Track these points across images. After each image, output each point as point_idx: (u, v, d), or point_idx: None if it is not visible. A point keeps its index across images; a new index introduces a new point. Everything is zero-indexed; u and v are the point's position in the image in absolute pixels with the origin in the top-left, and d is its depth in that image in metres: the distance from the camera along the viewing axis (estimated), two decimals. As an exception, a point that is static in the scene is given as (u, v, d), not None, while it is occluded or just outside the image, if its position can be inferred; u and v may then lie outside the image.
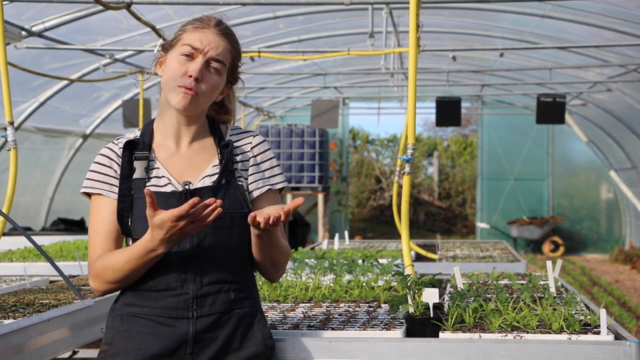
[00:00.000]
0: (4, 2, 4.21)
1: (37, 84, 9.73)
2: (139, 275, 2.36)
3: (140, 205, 2.38)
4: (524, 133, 17.49)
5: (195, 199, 2.20)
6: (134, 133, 2.51)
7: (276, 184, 2.52)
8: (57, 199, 12.15)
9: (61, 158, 12.06)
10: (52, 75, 9.00)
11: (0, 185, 9.93)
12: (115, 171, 2.43)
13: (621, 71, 10.91)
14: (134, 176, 2.42)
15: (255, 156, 2.51)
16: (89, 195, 2.46)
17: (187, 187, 2.39)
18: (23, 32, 7.60)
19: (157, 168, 2.44)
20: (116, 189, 2.41)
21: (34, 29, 7.79)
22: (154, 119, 2.53)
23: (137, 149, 2.44)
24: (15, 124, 4.35)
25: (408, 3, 3.71)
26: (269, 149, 2.54)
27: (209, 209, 2.20)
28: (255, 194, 2.48)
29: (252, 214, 2.26)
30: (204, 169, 2.45)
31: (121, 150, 2.44)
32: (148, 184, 2.41)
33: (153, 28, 7.08)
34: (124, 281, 2.36)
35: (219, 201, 2.21)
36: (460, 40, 11.72)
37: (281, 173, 2.54)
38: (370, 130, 29.29)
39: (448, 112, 10.25)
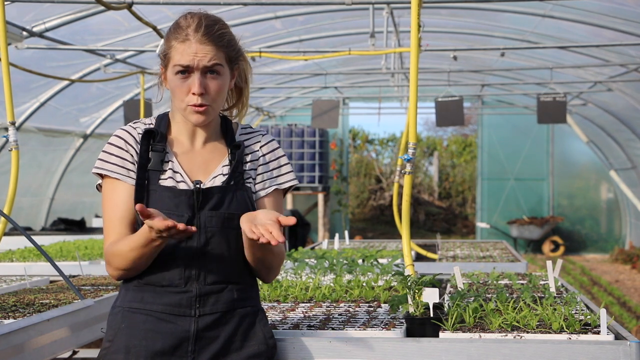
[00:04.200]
0: (6, 3, 4.21)
1: (38, 84, 9.73)
2: (147, 262, 2.35)
3: (153, 197, 2.39)
4: (524, 133, 17.49)
5: (169, 224, 2.17)
6: (150, 120, 2.50)
7: (282, 183, 2.52)
8: (57, 199, 12.14)
9: (62, 158, 12.06)
10: (53, 76, 9.00)
11: (0, 186, 9.92)
12: (132, 155, 2.42)
13: (622, 71, 10.91)
14: (149, 167, 2.42)
15: (264, 155, 2.52)
16: (101, 175, 2.44)
17: (198, 186, 2.40)
18: (24, 33, 7.61)
19: (171, 161, 2.44)
20: (133, 174, 2.41)
21: (35, 29, 7.79)
22: (168, 112, 2.52)
23: (154, 140, 2.44)
24: (16, 125, 4.34)
25: (409, 3, 3.72)
26: (277, 148, 2.54)
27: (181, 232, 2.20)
28: (262, 193, 2.49)
29: (247, 226, 2.22)
30: (214, 168, 2.46)
31: (139, 135, 2.43)
32: (162, 176, 2.41)
33: (154, 28, 7.08)
34: (133, 268, 2.36)
35: (192, 228, 2.20)
36: (460, 40, 11.71)
37: (290, 171, 2.54)
38: (370, 130, 29.31)
39: (449, 112, 10.25)
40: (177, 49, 2.37)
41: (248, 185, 2.47)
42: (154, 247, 2.30)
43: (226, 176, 2.44)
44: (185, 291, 2.37)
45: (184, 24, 2.39)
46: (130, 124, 2.49)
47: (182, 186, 2.41)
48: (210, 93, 2.39)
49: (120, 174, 2.41)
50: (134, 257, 2.32)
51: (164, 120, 2.49)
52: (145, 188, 2.40)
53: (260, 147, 2.52)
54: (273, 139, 2.56)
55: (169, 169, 2.43)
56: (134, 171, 2.41)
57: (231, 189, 2.42)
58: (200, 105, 2.38)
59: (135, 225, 2.41)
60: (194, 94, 2.37)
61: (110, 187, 2.42)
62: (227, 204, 2.39)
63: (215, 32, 2.39)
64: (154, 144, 2.43)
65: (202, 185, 2.41)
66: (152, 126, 2.47)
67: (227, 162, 2.47)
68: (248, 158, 2.50)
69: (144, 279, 2.39)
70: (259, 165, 2.50)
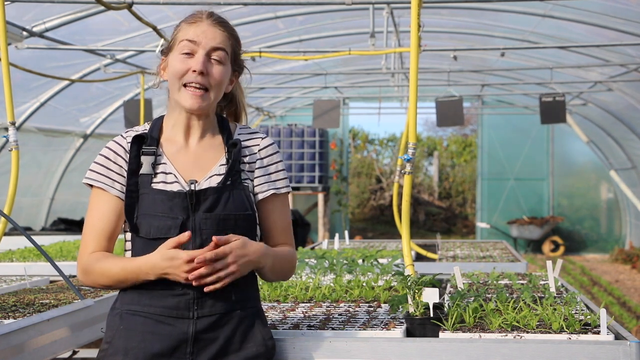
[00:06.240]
0: (5, 2, 4.21)
1: (38, 84, 9.73)
2: (129, 286, 2.38)
3: (145, 201, 2.37)
4: (524, 133, 17.49)
5: (215, 239, 2.24)
6: (144, 126, 2.50)
7: (280, 188, 2.50)
8: (57, 199, 12.15)
9: (62, 158, 12.06)
10: (53, 76, 9.00)
11: (0, 186, 9.92)
12: (121, 166, 2.41)
13: (622, 71, 10.91)
14: (140, 171, 2.40)
15: (262, 158, 2.50)
16: (90, 185, 2.45)
17: (193, 186, 2.38)
18: (24, 33, 7.60)
19: (164, 163, 2.43)
20: (118, 185, 2.40)
21: (35, 29, 7.79)
22: (164, 115, 2.52)
23: (145, 144, 2.43)
24: (16, 125, 4.34)
25: (409, 3, 3.71)
26: (277, 152, 2.53)
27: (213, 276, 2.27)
28: (260, 197, 2.48)
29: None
30: (210, 167, 2.44)
31: (129, 145, 2.42)
32: (155, 180, 2.40)
33: (154, 28, 7.08)
34: (113, 287, 2.40)
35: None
36: (460, 40, 11.72)
37: (286, 178, 2.53)
38: (370, 130, 29.32)
39: (449, 111, 10.25)
40: (186, 29, 2.41)
41: (245, 184, 2.45)
42: (141, 278, 2.34)
43: (222, 176, 2.42)
44: (182, 294, 2.36)
45: (197, 13, 2.45)
46: (122, 133, 2.49)
47: (175, 187, 2.39)
48: (210, 75, 2.39)
49: (105, 183, 2.40)
50: (120, 280, 2.35)
51: (158, 123, 2.49)
52: (137, 193, 2.39)
53: (259, 150, 2.50)
54: (273, 143, 2.54)
55: (161, 171, 2.41)
56: (120, 182, 2.41)
57: (227, 189, 2.40)
58: (199, 85, 2.37)
59: (114, 240, 2.42)
60: (194, 71, 2.37)
61: (94, 197, 2.43)
62: (223, 205, 2.37)
63: (227, 23, 2.46)
64: (145, 148, 2.42)
65: (197, 185, 2.39)
66: (145, 131, 2.46)
67: (224, 160, 2.45)
68: (246, 159, 2.48)
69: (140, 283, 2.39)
70: (257, 168, 2.49)
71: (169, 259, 2.27)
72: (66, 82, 10.02)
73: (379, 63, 12.43)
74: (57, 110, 11.08)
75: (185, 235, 2.25)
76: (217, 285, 2.28)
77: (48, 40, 8.09)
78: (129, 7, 6.14)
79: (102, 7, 6.62)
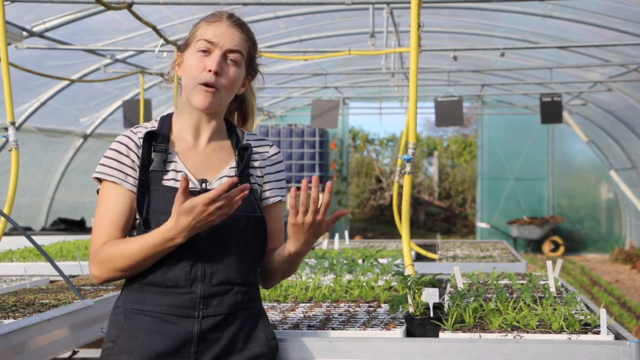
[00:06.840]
0: (5, 3, 4.21)
1: (38, 84, 9.74)
2: (149, 265, 2.34)
3: (155, 198, 2.37)
4: (524, 133, 17.50)
5: (235, 178, 2.22)
6: (151, 123, 2.50)
7: (284, 196, 2.56)
8: (57, 199, 12.14)
9: (62, 158, 12.06)
10: (53, 76, 9.00)
11: (0, 186, 9.92)
12: (133, 161, 2.40)
13: (622, 71, 10.92)
14: (151, 168, 2.40)
15: (271, 165, 2.54)
16: (100, 180, 2.43)
17: (204, 185, 2.37)
18: (24, 33, 7.61)
19: (174, 162, 2.43)
20: (130, 179, 2.39)
21: (35, 29, 7.80)
22: (172, 113, 2.52)
23: (157, 141, 2.43)
24: (16, 124, 4.34)
25: (409, 3, 3.71)
26: (282, 161, 2.58)
27: (240, 195, 2.23)
28: (269, 202, 2.51)
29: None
30: (220, 169, 2.45)
31: (140, 140, 2.42)
32: (165, 177, 2.40)
33: (154, 28, 7.08)
34: (133, 269, 2.34)
35: (247, 185, 2.26)
36: (460, 40, 11.72)
37: (284, 187, 2.58)
38: (370, 130, 29.32)
39: (449, 111, 10.26)
40: (205, 28, 2.43)
41: (254, 188, 2.47)
42: (168, 247, 2.29)
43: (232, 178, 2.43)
44: (189, 292, 2.35)
45: (217, 13, 2.48)
46: (131, 129, 2.48)
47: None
48: (224, 76, 2.40)
49: (118, 177, 2.39)
50: (143, 257, 2.30)
51: (167, 121, 2.49)
52: (148, 189, 2.39)
53: (268, 157, 2.54)
54: (280, 152, 2.58)
55: (172, 169, 2.42)
56: (132, 177, 2.39)
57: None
58: (212, 86, 2.38)
59: (127, 232, 2.40)
60: (209, 71, 2.38)
61: (106, 191, 2.40)
62: None
63: (245, 25, 2.50)
64: (156, 144, 2.42)
65: (208, 184, 2.39)
66: (154, 128, 2.46)
67: (234, 163, 2.47)
68: (256, 164, 2.51)
69: (147, 279, 2.37)
70: (266, 174, 2.52)
71: (189, 211, 2.23)
72: (66, 82, 10.02)
73: (379, 63, 12.43)
74: (57, 110, 11.08)
75: (183, 181, 2.21)
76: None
77: (48, 40, 8.09)
78: (129, 7, 6.14)
79: (102, 7, 6.61)
